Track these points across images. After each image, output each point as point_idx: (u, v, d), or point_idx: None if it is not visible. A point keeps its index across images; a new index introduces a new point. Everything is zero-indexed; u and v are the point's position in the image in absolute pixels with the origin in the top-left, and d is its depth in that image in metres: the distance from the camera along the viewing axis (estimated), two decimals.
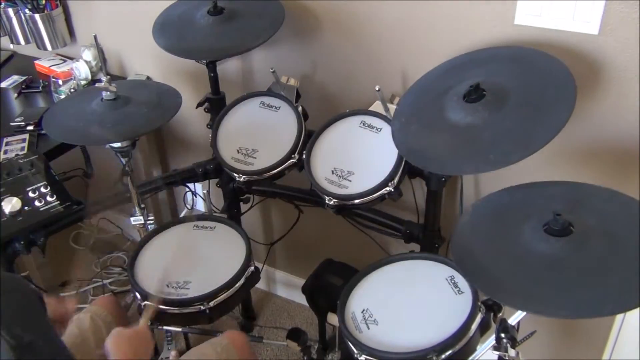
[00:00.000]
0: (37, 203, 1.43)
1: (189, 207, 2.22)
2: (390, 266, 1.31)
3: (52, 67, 2.08)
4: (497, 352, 1.04)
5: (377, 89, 1.30)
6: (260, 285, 2.24)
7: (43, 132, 1.70)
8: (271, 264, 2.21)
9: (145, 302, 1.32)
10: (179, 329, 1.70)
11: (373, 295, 1.25)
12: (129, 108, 1.45)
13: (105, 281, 2.31)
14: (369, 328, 1.18)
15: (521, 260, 1.02)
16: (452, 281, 1.22)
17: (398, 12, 1.43)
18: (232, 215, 1.80)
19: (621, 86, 1.24)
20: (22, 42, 2.11)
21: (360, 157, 1.36)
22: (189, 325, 1.63)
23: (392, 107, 1.34)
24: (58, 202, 1.45)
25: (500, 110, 1.13)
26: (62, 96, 1.92)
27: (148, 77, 2.02)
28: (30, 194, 1.43)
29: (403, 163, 1.29)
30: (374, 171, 1.31)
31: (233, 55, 1.69)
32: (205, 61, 1.59)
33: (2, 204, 1.39)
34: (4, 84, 2.08)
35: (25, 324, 0.73)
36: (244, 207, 1.84)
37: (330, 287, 1.51)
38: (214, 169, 1.71)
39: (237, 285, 1.37)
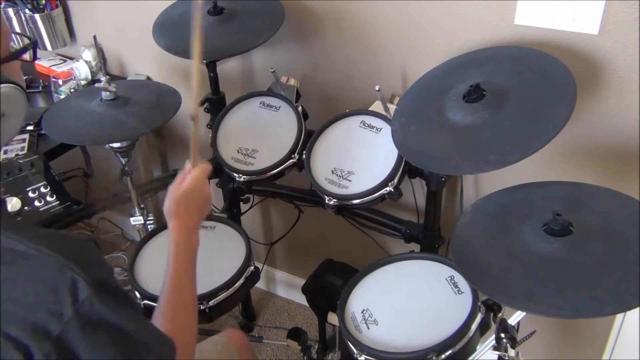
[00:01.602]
0: (37, 203, 1.43)
1: None
2: (391, 266, 1.31)
3: (52, 67, 2.07)
4: (497, 352, 1.04)
5: (377, 89, 1.30)
6: (260, 285, 2.25)
7: (43, 132, 1.69)
8: (271, 264, 2.21)
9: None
10: None
11: (373, 295, 1.25)
12: (128, 108, 1.45)
13: None
14: (369, 328, 1.18)
15: (521, 260, 1.02)
16: (452, 281, 1.22)
17: (398, 12, 1.43)
18: (232, 215, 1.80)
19: (621, 86, 1.24)
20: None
21: (360, 157, 1.36)
22: None
23: (392, 107, 1.34)
24: (58, 202, 1.45)
25: (500, 110, 1.13)
26: (62, 96, 1.92)
27: (148, 77, 2.02)
28: (30, 194, 1.44)
29: (403, 163, 1.29)
30: (374, 171, 1.31)
31: (233, 55, 1.69)
32: (205, 61, 1.59)
33: None
34: None
35: (96, 265, 0.76)
36: (244, 207, 1.84)
37: (330, 287, 1.51)
38: (214, 169, 1.70)
39: (236, 284, 1.37)
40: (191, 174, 1.10)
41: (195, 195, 1.09)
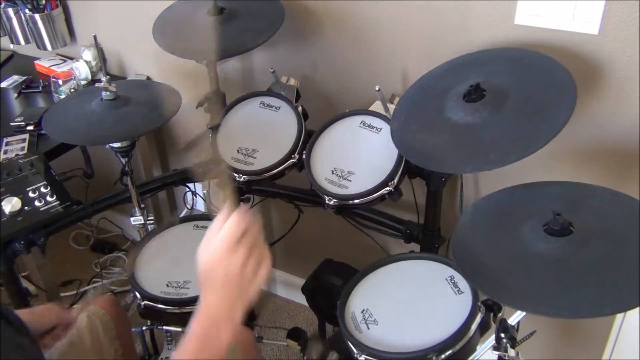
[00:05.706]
0: (37, 203, 1.43)
1: (189, 207, 2.22)
2: (390, 266, 1.31)
3: (52, 67, 2.07)
4: (497, 352, 1.04)
5: (377, 89, 1.30)
6: None
7: (43, 132, 1.69)
8: (271, 264, 2.20)
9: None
10: (179, 329, 1.70)
11: (373, 295, 1.25)
12: (128, 108, 1.45)
13: (105, 281, 2.31)
14: (369, 328, 1.18)
15: (521, 260, 1.02)
16: (452, 281, 1.21)
17: (398, 12, 1.43)
18: None
19: (621, 86, 1.24)
20: (22, 42, 2.11)
21: (360, 157, 1.36)
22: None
23: (392, 107, 1.34)
24: (58, 202, 1.45)
25: (500, 110, 1.13)
26: (62, 96, 1.92)
27: (148, 77, 2.02)
28: (30, 194, 1.43)
29: (403, 163, 1.29)
30: (374, 171, 1.31)
31: (233, 55, 1.69)
32: (205, 61, 1.59)
33: (2, 204, 1.39)
34: (4, 84, 2.08)
35: None
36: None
37: (330, 287, 1.51)
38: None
39: None
40: (225, 227, 0.75)
41: (224, 264, 0.74)
